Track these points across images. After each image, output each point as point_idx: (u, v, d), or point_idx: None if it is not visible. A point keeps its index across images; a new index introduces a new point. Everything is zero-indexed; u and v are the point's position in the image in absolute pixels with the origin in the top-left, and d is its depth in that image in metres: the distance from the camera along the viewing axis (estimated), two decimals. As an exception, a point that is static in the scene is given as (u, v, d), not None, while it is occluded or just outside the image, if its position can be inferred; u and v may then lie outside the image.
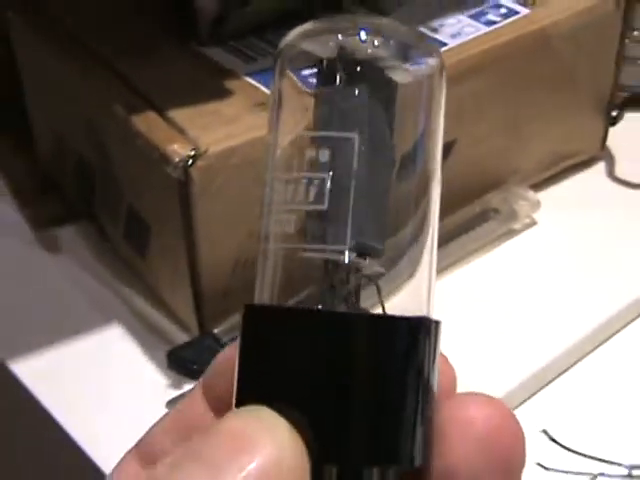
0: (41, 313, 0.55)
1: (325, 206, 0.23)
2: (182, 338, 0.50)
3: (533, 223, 0.58)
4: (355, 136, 0.23)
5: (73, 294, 0.55)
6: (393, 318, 0.23)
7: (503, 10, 0.56)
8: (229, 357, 0.25)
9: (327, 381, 0.22)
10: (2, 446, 0.55)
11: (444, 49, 0.53)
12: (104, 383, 0.51)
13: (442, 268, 0.53)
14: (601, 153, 0.62)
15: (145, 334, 0.53)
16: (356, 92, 0.23)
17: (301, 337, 0.22)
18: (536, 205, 0.57)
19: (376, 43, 0.24)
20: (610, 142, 0.62)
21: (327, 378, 0.22)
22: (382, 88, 0.24)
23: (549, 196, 0.59)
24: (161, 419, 0.26)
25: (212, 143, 0.46)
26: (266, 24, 0.54)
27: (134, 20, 0.55)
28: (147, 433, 0.26)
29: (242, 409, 0.22)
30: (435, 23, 0.55)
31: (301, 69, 0.24)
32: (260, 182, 0.46)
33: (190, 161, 0.45)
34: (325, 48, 0.24)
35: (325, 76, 0.23)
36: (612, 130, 0.62)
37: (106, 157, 0.52)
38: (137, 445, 0.26)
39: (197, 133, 0.47)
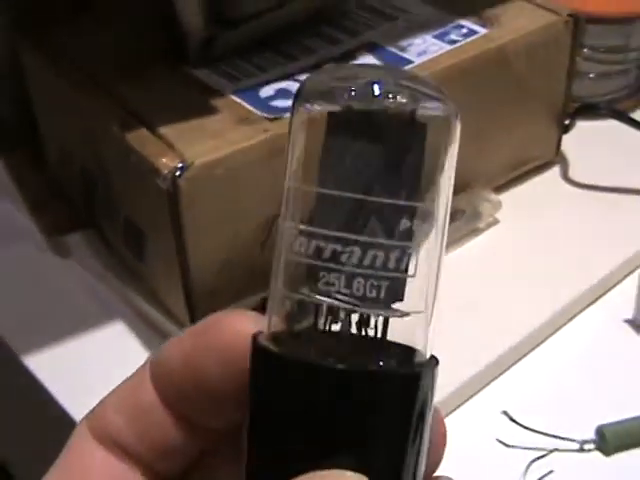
0: (52, 310, 0.55)
1: (415, 274, 0.21)
2: (176, 333, 0.49)
3: (495, 222, 0.57)
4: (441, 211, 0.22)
5: (80, 294, 0.55)
6: (400, 374, 0.22)
7: (464, 30, 0.55)
8: (180, 346, 0.24)
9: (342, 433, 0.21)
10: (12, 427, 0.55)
11: (411, 66, 0.52)
12: (107, 372, 0.49)
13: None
14: (556, 158, 0.61)
15: (144, 329, 0.52)
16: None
17: (313, 390, 0.21)
18: (498, 206, 0.57)
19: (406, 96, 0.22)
20: (564, 147, 0.61)
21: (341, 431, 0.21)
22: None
23: (510, 197, 0.59)
24: (112, 394, 0.25)
25: (198, 156, 0.45)
26: (251, 47, 0.53)
27: (131, 45, 0.55)
28: (99, 407, 0.25)
29: (327, 474, 0.20)
30: (403, 43, 0.54)
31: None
32: (242, 190, 0.46)
33: (178, 172, 0.45)
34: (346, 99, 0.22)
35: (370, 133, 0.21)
36: (565, 137, 0.61)
37: (105, 170, 0.51)
38: (89, 418, 0.25)
39: (185, 147, 0.46)
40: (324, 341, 0.22)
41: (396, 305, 0.22)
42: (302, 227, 0.22)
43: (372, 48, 0.54)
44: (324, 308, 0.22)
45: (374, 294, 0.21)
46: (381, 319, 0.22)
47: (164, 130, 0.47)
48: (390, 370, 0.21)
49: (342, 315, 0.22)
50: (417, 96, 0.22)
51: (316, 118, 0.22)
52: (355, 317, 0.22)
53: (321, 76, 0.23)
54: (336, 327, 0.22)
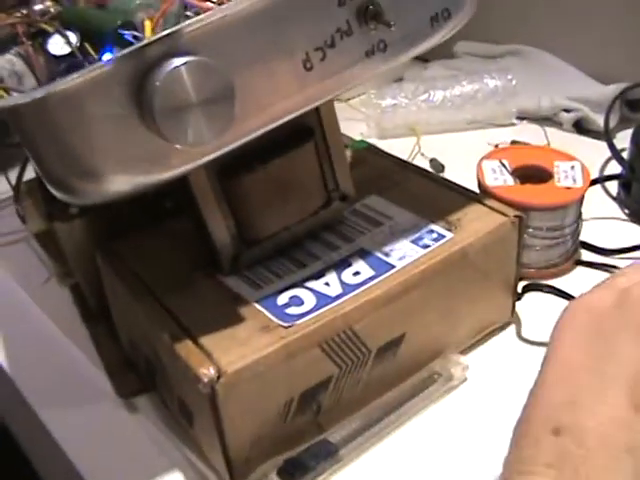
0: (125, 457, 0.54)
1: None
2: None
3: (465, 379, 0.56)
4: None
5: (147, 444, 0.55)
6: None
7: (434, 235, 0.54)
8: None
9: None
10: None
11: (394, 270, 0.51)
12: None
13: (400, 423, 0.52)
14: (511, 319, 0.60)
15: (193, 476, 0.51)
16: None
17: None
18: (466, 367, 0.56)
19: None
20: (518, 309, 0.60)
21: None
22: None
23: (475, 357, 0.58)
24: None
25: (230, 364, 0.45)
26: (271, 256, 0.53)
27: (180, 259, 0.55)
28: None
29: None
30: (387, 249, 0.54)
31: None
32: (266, 385, 0.45)
33: (215, 380, 0.44)
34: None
35: None
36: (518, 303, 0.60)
37: (161, 362, 0.51)
38: None
39: (219, 356, 0.46)
40: None
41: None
42: None
43: (363, 254, 0.53)
44: None
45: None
46: None
47: (203, 340, 0.47)
48: None
49: None
50: None
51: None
52: None
53: None
54: None
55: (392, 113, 0.85)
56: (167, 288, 0.52)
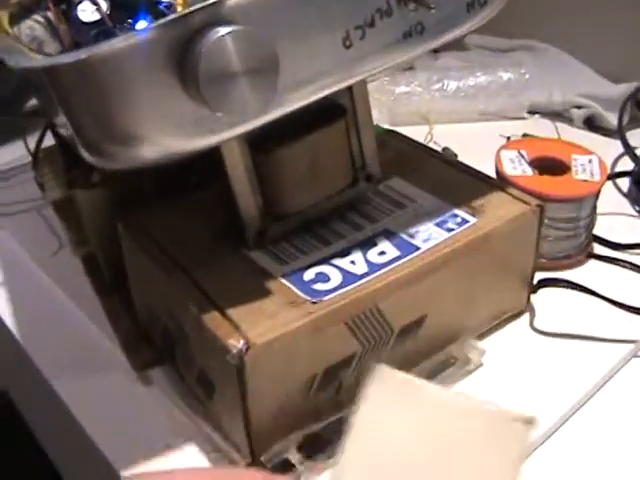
0: (140, 429, 0.54)
1: None
2: (239, 461, 0.49)
3: (481, 365, 0.56)
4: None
5: (162, 417, 0.55)
6: None
7: (458, 219, 0.55)
8: None
9: None
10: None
11: (419, 252, 0.52)
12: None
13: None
14: (525, 308, 0.61)
15: (210, 450, 0.52)
16: None
17: None
18: (482, 352, 0.56)
19: None
20: (532, 300, 0.61)
21: None
22: None
23: (491, 343, 0.58)
24: None
25: (258, 336, 0.46)
26: (295, 233, 0.54)
27: (204, 231, 0.55)
28: None
29: None
30: (411, 230, 0.54)
31: None
32: (291, 358, 0.45)
33: (243, 351, 0.45)
34: None
35: None
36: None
37: (183, 334, 0.51)
38: None
39: (248, 328, 0.46)
40: None
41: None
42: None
43: (388, 235, 0.54)
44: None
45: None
46: None
47: (230, 312, 0.47)
48: None
49: None
50: None
51: None
52: None
53: None
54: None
55: (405, 100, 0.86)
56: (192, 260, 0.52)
